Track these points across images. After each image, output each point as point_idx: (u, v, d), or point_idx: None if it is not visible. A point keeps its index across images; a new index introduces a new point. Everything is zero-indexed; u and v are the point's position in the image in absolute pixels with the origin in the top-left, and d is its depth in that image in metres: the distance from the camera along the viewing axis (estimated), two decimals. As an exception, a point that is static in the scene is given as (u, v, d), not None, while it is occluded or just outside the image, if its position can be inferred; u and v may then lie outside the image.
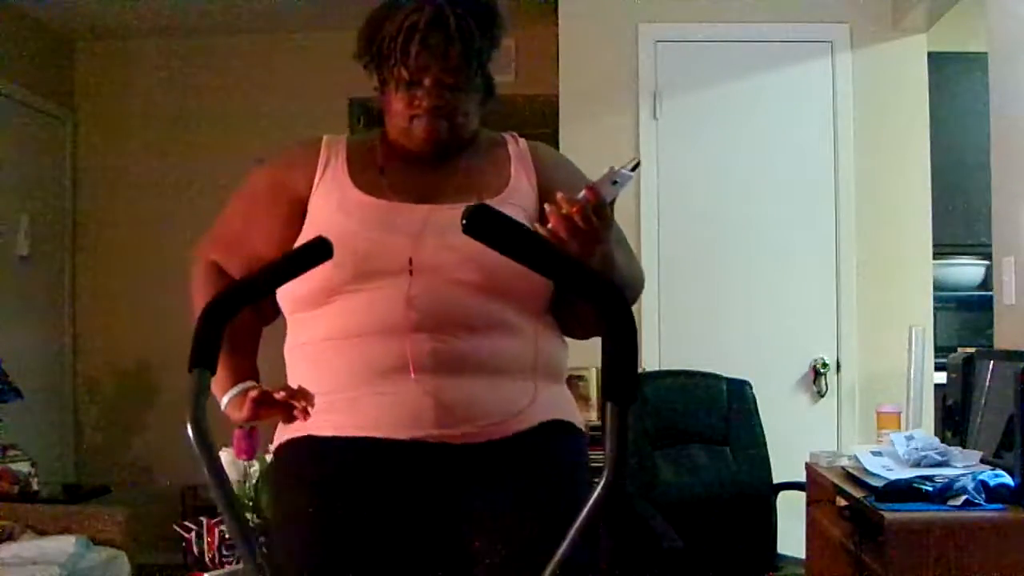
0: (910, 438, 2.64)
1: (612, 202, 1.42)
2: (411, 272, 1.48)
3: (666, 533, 2.96)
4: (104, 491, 4.55)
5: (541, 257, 1.08)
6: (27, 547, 3.45)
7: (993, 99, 3.15)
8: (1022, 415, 2.35)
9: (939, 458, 2.55)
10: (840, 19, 4.10)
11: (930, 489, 2.34)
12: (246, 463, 2.77)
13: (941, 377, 3.23)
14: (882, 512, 2.28)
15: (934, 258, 4.10)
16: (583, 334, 1.64)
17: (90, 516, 3.75)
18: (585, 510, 1.01)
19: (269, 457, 2.76)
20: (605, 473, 1.01)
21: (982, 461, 2.53)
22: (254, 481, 2.79)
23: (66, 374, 5.20)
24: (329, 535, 1.47)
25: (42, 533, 3.59)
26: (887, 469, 2.55)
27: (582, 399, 3.72)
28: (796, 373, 4.06)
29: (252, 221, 1.61)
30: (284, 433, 1.58)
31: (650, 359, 4.00)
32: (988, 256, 3.47)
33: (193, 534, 2.95)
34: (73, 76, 5.34)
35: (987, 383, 2.69)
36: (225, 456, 2.74)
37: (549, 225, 1.39)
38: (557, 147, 3.57)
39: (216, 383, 1.57)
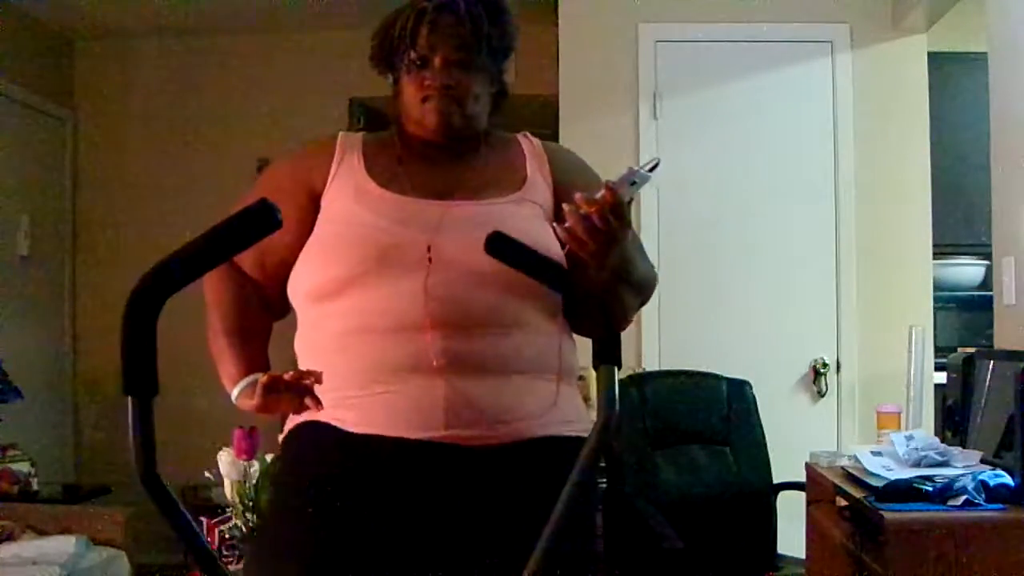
0: (910, 438, 2.64)
1: (630, 202, 1.42)
2: (430, 267, 1.47)
3: (666, 533, 2.96)
4: (104, 491, 4.55)
5: (553, 276, 1.12)
6: (27, 547, 3.45)
7: (993, 99, 3.15)
8: (1022, 415, 2.35)
9: (939, 458, 2.55)
10: (840, 19, 4.10)
11: (930, 489, 2.34)
12: (246, 463, 2.77)
13: (941, 377, 3.23)
14: (882, 512, 2.28)
15: (934, 258, 4.10)
16: (585, 331, 1.64)
17: (90, 516, 3.75)
18: (577, 463, 1.03)
19: (269, 457, 2.77)
20: (597, 423, 1.02)
21: (982, 461, 2.52)
22: (254, 481, 2.78)
23: (66, 374, 5.20)
24: (327, 530, 1.44)
25: (42, 533, 3.59)
26: (887, 469, 2.55)
27: (582, 399, 3.71)
28: (796, 373, 4.06)
29: None
30: (294, 420, 1.57)
31: (650, 359, 4.00)
32: (988, 256, 3.47)
33: (193, 534, 2.95)
34: (73, 76, 5.34)
35: (987, 383, 2.69)
36: (225, 456, 2.74)
37: (567, 224, 1.38)
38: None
39: (226, 377, 1.57)
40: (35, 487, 4.07)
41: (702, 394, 3.65)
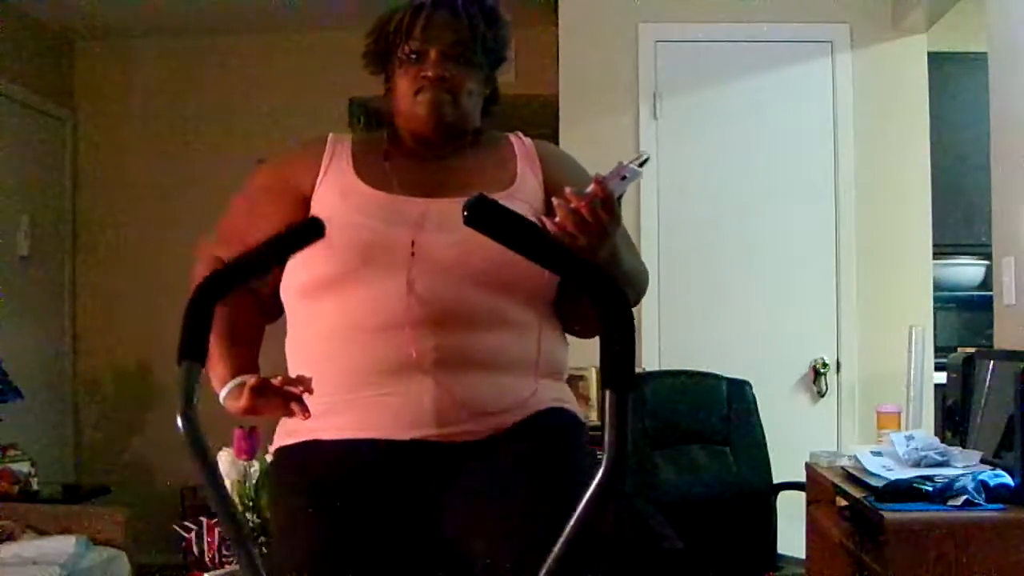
0: (910, 438, 2.64)
1: (619, 197, 1.42)
2: (414, 265, 1.48)
3: (666, 533, 2.96)
4: (104, 491, 4.55)
5: (541, 249, 1.07)
6: (27, 547, 3.45)
7: (993, 99, 3.15)
8: (1022, 415, 2.35)
9: (939, 458, 2.55)
10: (840, 19, 4.10)
11: (930, 489, 2.34)
12: (246, 463, 2.77)
13: (941, 377, 3.23)
14: (882, 512, 2.28)
15: (934, 258, 4.10)
16: (585, 332, 1.64)
17: (90, 516, 3.75)
18: (585, 498, 1.00)
19: (269, 457, 2.76)
20: (604, 460, 1.00)
21: (982, 461, 2.52)
22: (254, 481, 2.78)
23: (66, 374, 5.20)
24: (331, 539, 1.45)
25: (42, 533, 3.59)
26: (887, 469, 2.55)
27: (582, 399, 3.71)
28: (796, 373, 4.06)
29: (256, 218, 1.61)
30: (283, 438, 1.58)
31: (650, 359, 4.00)
32: (988, 256, 3.47)
33: (193, 534, 2.95)
34: (73, 76, 5.34)
35: (987, 383, 2.69)
36: (225, 456, 2.74)
37: (556, 219, 1.39)
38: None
39: (216, 378, 1.57)
40: (35, 487, 4.07)
41: (702, 394, 3.65)
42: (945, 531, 2.22)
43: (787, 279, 4.06)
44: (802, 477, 3.21)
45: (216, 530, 2.85)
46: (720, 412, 3.62)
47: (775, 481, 3.55)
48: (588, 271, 1.06)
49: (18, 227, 4.82)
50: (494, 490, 1.46)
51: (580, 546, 1.00)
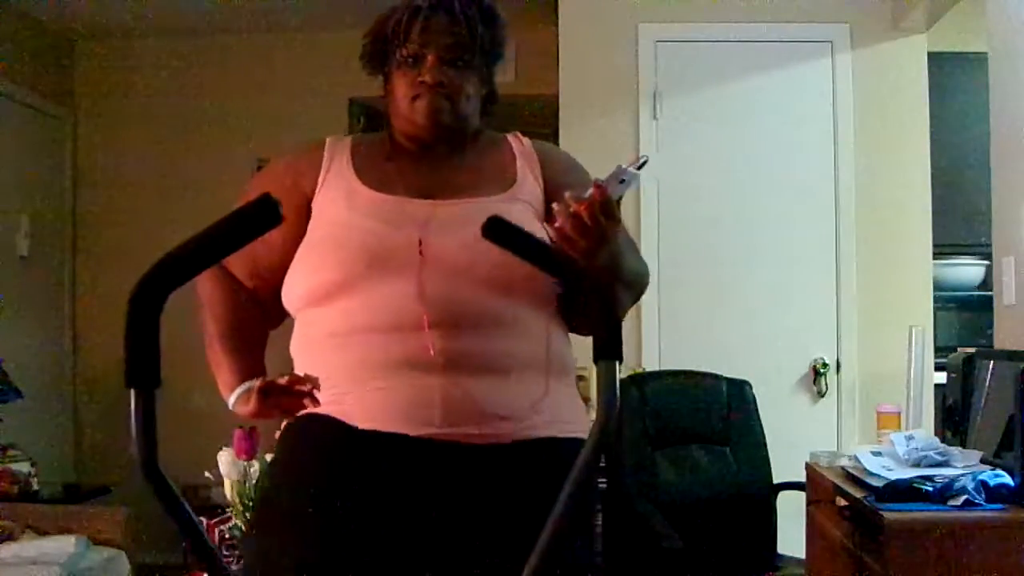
0: (910, 438, 2.64)
1: (619, 200, 1.42)
2: (422, 267, 1.48)
3: (666, 533, 2.96)
4: (104, 491, 4.55)
5: (552, 261, 1.11)
6: (27, 547, 3.45)
7: (993, 99, 3.15)
8: (1022, 415, 2.35)
9: (939, 458, 2.55)
10: (840, 19, 4.10)
11: (930, 489, 2.33)
12: (246, 463, 2.77)
13: (941, 377, 3.22)
14: (882, 512, 2.28)
15: (934, 258, 4.10)
16: (586, 330, 1.63)
17: (90, 516, 3.75)
18: (577, 464, 1.02)
19: (269, 457, 2.76)
20: (595, 424, 1.02)
21: (982, 461, 2.52)
22: (254, 481, 2.78)
23: (66, 374, 5.20)
24: (322, 521, 1.43)
25: (42, 533, 3.59)
26: (887, 469, 2.55)
27: (582, 399, 3.71)
28: (796, 373, 4.06)
29: None
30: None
31: (650, 359, 4.00)
32: (988, 256, 3.47)
33: (193, 534, 2.94)
34: (73, 76, 5.34)
35: (987, 383, 2.69)
36: (225, 456, 2.74)
37: (557, 223, 1.38)
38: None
39: (223, 385, 1.57)
40: (35, 487, 4.07)
41: (702, 394, 3.65)
42: (945, 531, 2.22)
43: (787, 279, 4.07)
44: (802, 477, 3.21)
45: (216, 530, 2.85)
46: (720, 412, 3.62)
47: (775, 481, 3.55)
48: (579, 273, 1.11)
49: (18, 227, 4.82)
50: (496, 506, 1.44)
51: (572, 517, 1.01)
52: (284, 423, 1.59)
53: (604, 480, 3.39)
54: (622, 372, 1.32)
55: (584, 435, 1.59)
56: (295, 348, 1.59)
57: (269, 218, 0.93)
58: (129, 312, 0.91)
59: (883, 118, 4.08)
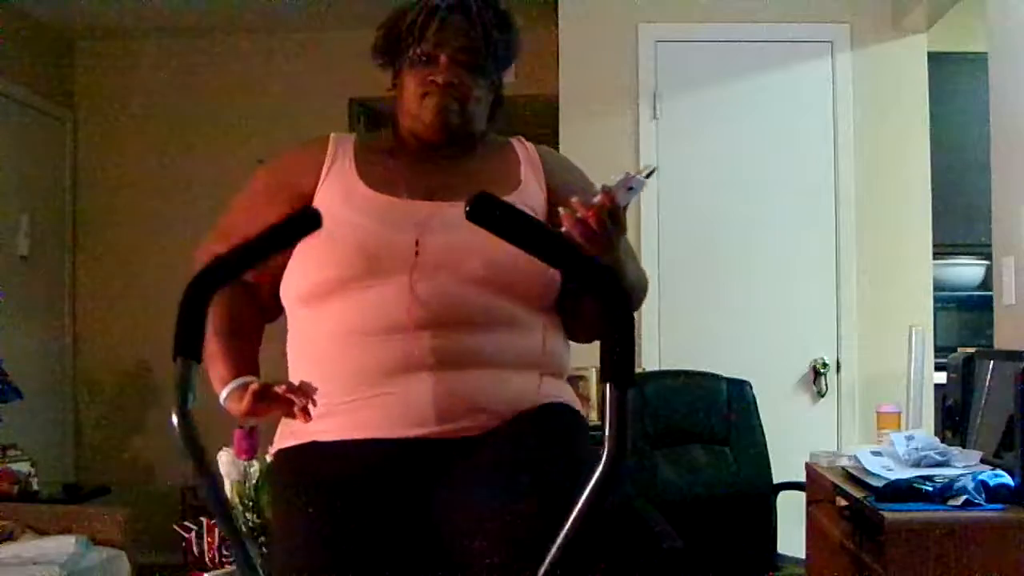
0: (910, 438, 2.64)
1: (625, 208, 1.42)
2: (416, 268, 1.48)
3: (666, 533, 2.96)
4: (104, 491, 4.55)
5: (544, 244, 1.05)
6: (27, 547, 3.45)
7: (993, 99, 3.15)
8: (1022, 415, 2.34)
9: (939, 458, 2.55)
10: (840, 19, 4.10)
11: (930, 489, 2.33)
12: (246, 463, 2.77)
13: (941, 377, 3.23)
14: (882, 512, 2.27)
15: (934, 258, 4.10)
16: (586, 337, 1.63)
17: (90, 516, 3.74)
18: (585, 492, 0.99)
19: (269, 457, 2.76)
20: (605, 454, 0.99)
21: (982, 461, 2.53)
22: (254, 481, 2.78)
23: (66, 374, 5.20)
24: (332, 539, 1.45)
25: (42, 533, 3.59)
26: (887, 469, 2.55)
27: (582, 399, 3.70)
28: (796, 373, 4.06)
29: (257, 218, 1.60)
30: (285, 439, 1.57)
31: (650, 359, 4.00)
32: (988, 256, 3.47)
33: (193, 534, 2.95)
34: (73, 76, 5.34)
35: (987, 383, 2.69)
36: (225, 456, 2.74)
37: (563, 228, 1.38)
38: (557, 148, 3.57)
39: (216, 378, 1.57)
40: (35, 487, 4.07)
41: (702, 394, 3.65)
42: (945, 531, 2.21)
43: (787, 279, 4.06)
44: (802, 477, 3.21)
45: (216, 530, 2.85)
46: (720, 412, 3.61)
47: (775, 481, 3.55)
48: (589, 266, 1.05)
49: (18, 227, 4.82)
50: (495, 486, 1.45)
51: (580, 541, 0.99)
52: (273, 452, 1.60)
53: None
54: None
55: (575, 406, 1.60)
56: (291, 349, 1.61)
57: (311, 226, 1.13)
58: (186, 298, 1.08)
59: (883, 118, 4.08)
